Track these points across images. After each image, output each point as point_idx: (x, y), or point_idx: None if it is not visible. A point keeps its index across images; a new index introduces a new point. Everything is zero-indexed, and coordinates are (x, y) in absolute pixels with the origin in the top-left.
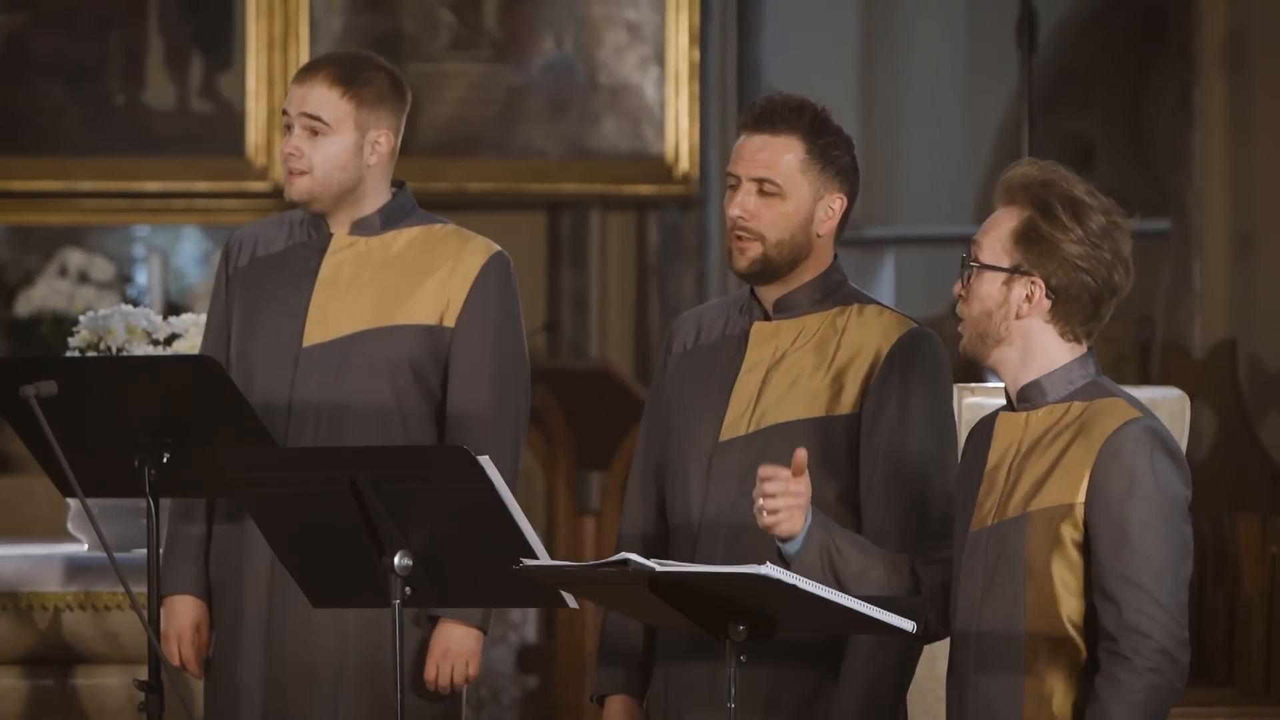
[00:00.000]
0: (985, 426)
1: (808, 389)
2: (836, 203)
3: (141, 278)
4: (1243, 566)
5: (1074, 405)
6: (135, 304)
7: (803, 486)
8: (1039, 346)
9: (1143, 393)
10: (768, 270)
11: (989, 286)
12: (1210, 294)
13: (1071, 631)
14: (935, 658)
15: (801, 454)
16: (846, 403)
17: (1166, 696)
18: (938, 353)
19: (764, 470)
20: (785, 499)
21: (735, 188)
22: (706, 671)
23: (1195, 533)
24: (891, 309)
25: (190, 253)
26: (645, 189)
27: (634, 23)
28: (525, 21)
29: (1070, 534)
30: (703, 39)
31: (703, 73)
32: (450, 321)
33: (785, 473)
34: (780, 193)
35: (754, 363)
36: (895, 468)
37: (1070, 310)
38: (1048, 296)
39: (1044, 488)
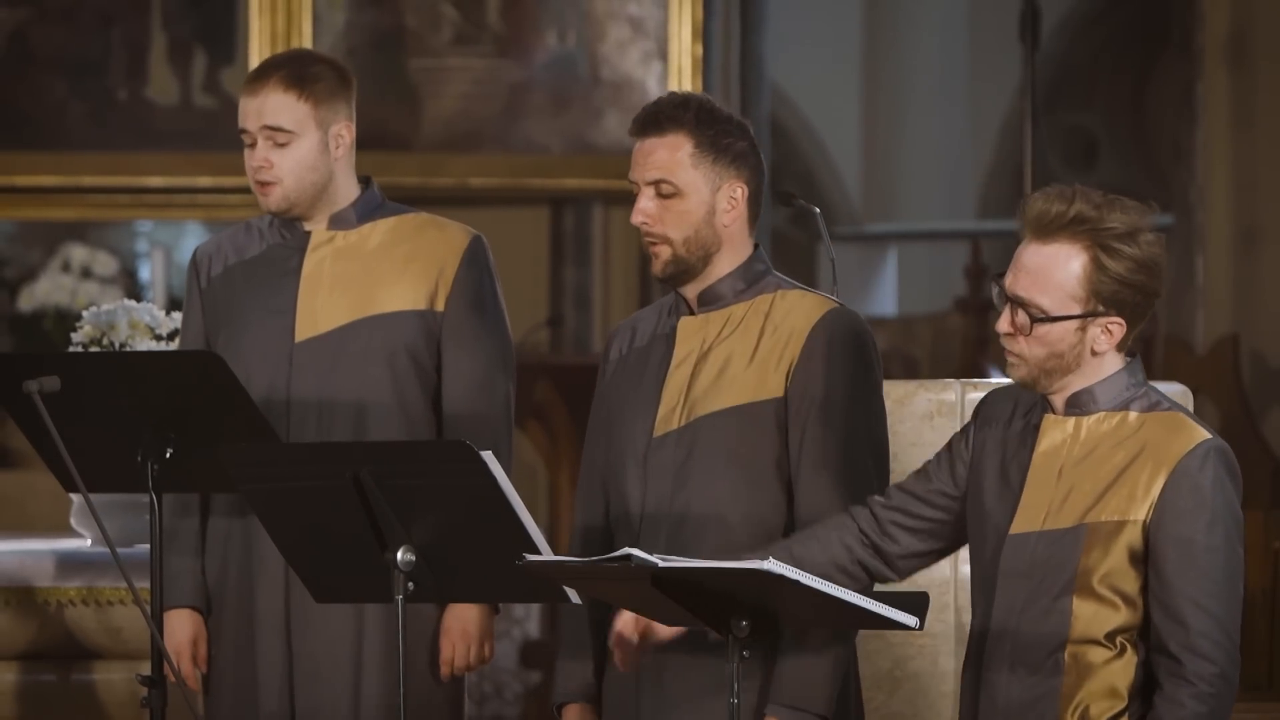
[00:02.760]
0: (1001, 406)
1: (734, 377)
2: (738, 190)
3: (145, 273)
4: (1246, 562)
5: (1131, 415)
6: (138, 299)
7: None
8: (1099, 365)
9: None
10: (683, 270)
11: (1060, 333)
12: (1213, 289)
13: (1118, 643)
14: (938, 653)
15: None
16: (772, 387)
17: (1223, 717)
18: (859, 329)
19: None
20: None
21: (637, 194)
22: (683, 666)
23: None
24: (815, 291)
25: (193, 248)
26: None
27: (637, 17)
28: (528, 16)
29: (1130, 548)
30: (705, 34)
31: (706, 68)
32: (440, 305)
33: None
34: (677, 191)
35: (682, 357)
36: (823, 446)
37: (1137, 325)
38: (1125, 327)
39: (1104, 500)
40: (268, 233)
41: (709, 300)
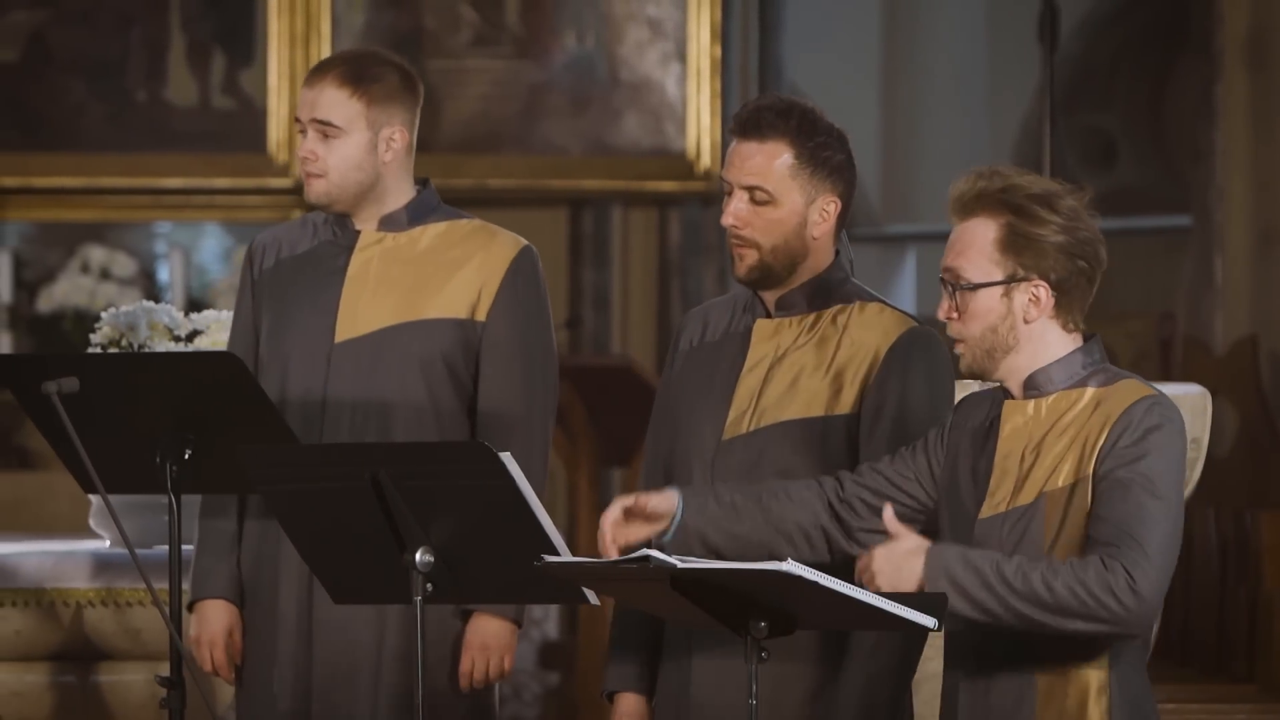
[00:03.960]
0: (975, 407)
1: (807, 388)
2: (831, 205)
3: (163, 274)
4: (1264, 563)
5: (1088, 391)
6: (157, 300)
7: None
8: (1044, 344)
9: (1165, 389)
10: (766, 276)
11: (987, 302)
12: (1232, 290)
13: None
14: (926, 656)
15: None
16: (846, 402)
17: (1104, 624)
18: (937, 351)
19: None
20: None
21: (729, 194)
22: (721, 672)
23: (1217, 529)
24: (893, 307)
25: (212, 249)
26: (667, 185)
27: (655, 19)
28: (547, 18)
29: (1083, 507)
30: (724, 35)
31: (724, 69)
32: (481, 315)
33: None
34: (772, 200)
35: (756, 361)
36: None
37: (1072, 300)
38: (1051, 293)
39: (1060, 468)
40: (321, 229)
41: (786, 305)
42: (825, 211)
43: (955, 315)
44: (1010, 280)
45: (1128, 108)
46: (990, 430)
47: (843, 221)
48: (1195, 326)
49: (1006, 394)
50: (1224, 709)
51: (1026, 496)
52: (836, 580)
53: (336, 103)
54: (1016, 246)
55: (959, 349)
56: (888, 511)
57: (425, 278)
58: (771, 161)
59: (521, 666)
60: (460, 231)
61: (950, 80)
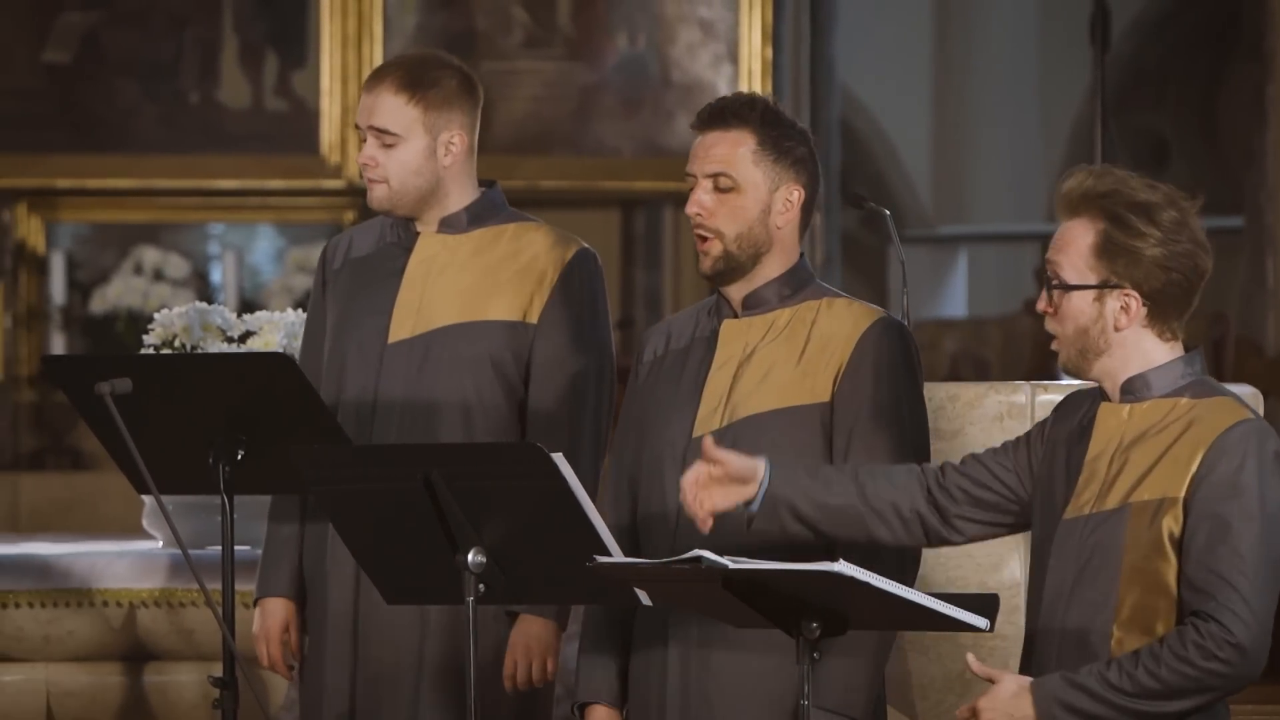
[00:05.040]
0: (1076, 406)
1: (779, 380)
2: (794, 194)
3: (216, 275)
4: None
5: (1182, 401)
6: (210, 301)
7: (717, 472)
8: (1139, 351)
9: None
10: (731, 268)
11: (1080, 304)
12: None
13: (1160, 630)
14: (1009, 655)
15: (707, 441)
16: (819, 391)
17: (1219, 689)
18: (907, 339)
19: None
20: (694, 490)
21: (694, 187)
22: (698, 661)
23: None
24: (860, 301)
25: (265, 250)
26: None
27: (707, 20)
28: (599, 19)
29: (1170, 528)
30: (776, 37)
31: (776, 70)
32: (533, 318)
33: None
34: (736, 186)
35: (724, 360)
36: (870, 451)
37: (1167, 310)
38: (1143, 304)
39: (1146, 480)
40: (388, 231)
41: (754, 304)
42: (789, 201)
43: (1051, 310)
44: (1103, 286)
45: (1179, 109)
46: (1085, 429)
47: (807, 216)
48: (1247, 327)
49: (1103, 395)
50: (1269, 710)
51: (1111, 502)
52: (888, 581)
53: (394, 109)
54: (1111, 254)
55: (1055, 345)
56: (972, 660)
57: (480, 280)
58: (736, 149)
59: (571, 668)
60: (520, 233)
61: (1001, 81)
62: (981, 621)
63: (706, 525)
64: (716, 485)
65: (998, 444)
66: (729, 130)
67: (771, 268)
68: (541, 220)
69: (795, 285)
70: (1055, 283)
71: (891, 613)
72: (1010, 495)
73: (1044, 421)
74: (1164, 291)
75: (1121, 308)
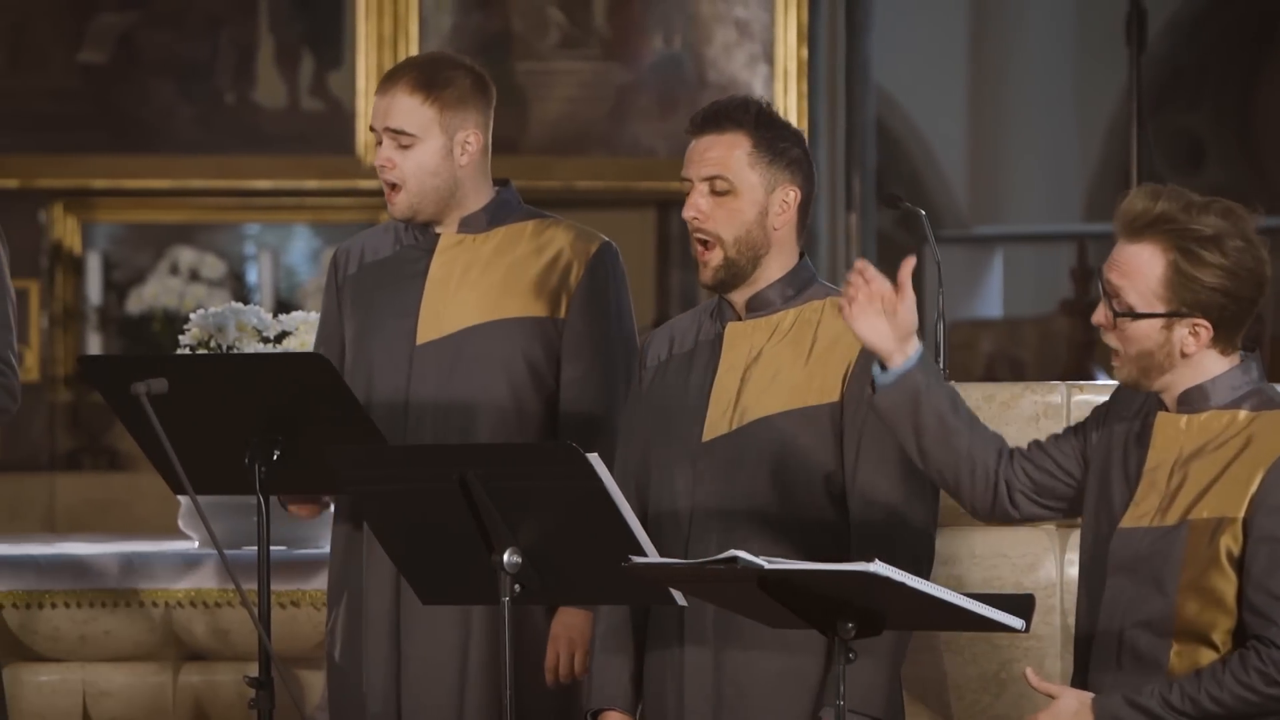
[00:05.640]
0: (1131, 400)
1: (788, 381)
2: (791, 195)
3: (252, 275)
4: None
5: (1241, 414)
6: (246, 302)
7: (884, 289)
8: (1202, 367)
9: None
10: (733, 275)
11: (1146, 330)
12: None
13: (1218, 641)
14: (1045, 655)
15: (904, 271)
16: (829, 391)
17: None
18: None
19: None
20: (864, 294)
21: (690, 191)
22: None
23: None
24: None
25: (301, 251)
26: None
27: (743, 20)
28: (634, 19)
29: (1229, 547)
30: (811, 37)
31: (811, 71)
32: (562, 313)
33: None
34: (732, 189)
35: (731, 363)
36: (881, 447)
37: (1232, 329)
38: (1211, 330)
39: (1206, 497)
40: (403, 234)
41: (757, 306)
42: (785, 202)
43: (1110, 327)
44: (1172, 315)
45: (1215, 109)
46: (1143, 436)
47: (805, 217)
48: None
49: (1161, 404)
50: None
51: (1171, 518)
52: (923, 581)
53: (409, 110)
54: (1180, 285)
55: (1115, 361)
56: (1031, 674)
57: (505, 277)
58: (731, 151)
59: None
60: (540, 230)
61: (1037, 82)
62: (1017, 622)
63: (852, 305)
64: (877, 310)
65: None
66: (723, 133)
67: (772, 269)
68: (557, 216)
69: (798, 286)
70: (1121, 309)
71: (927, 613)
72: (1070, 480)
73: (1100, 410)
74: (1233, 315)
75: (1191, 334)
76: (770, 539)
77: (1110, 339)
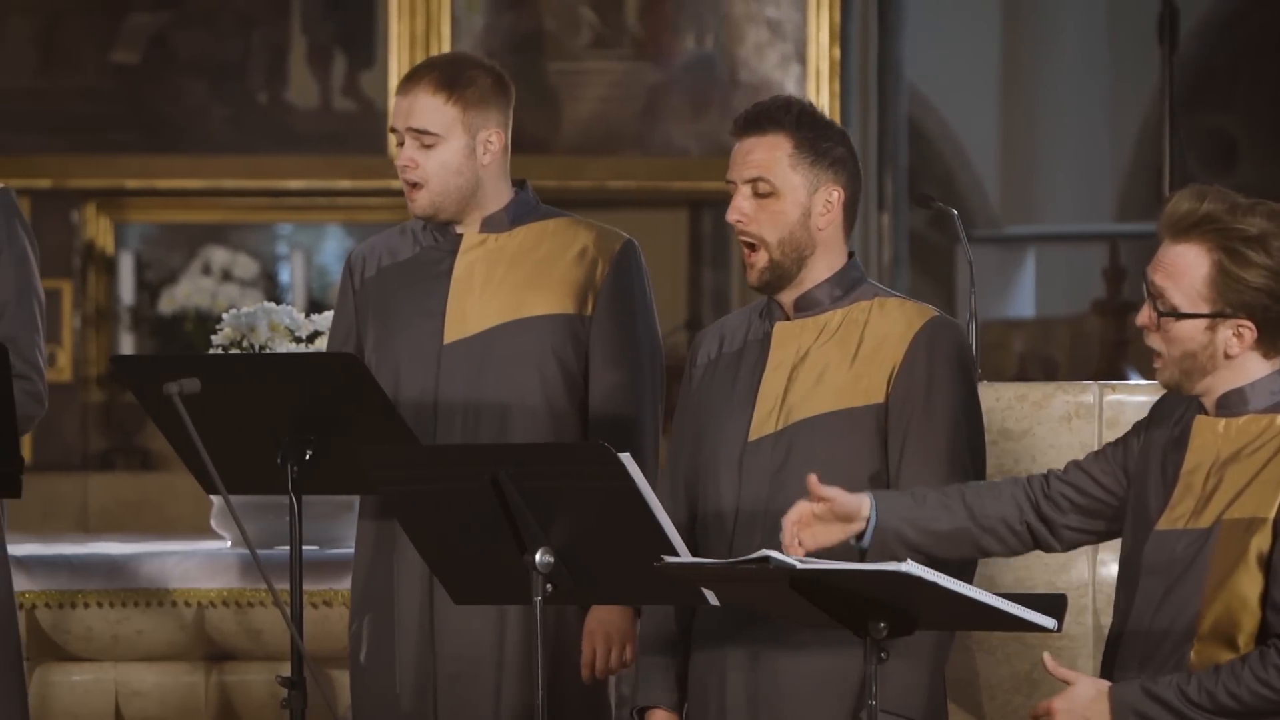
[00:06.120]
0: (1172, 409)
1: (834, 383)
2: (834, 194)
3: (284, 275)
4: None
5: (1279, 419)
6: (278, 302)
7: (801, 510)
8: (1244, 370)
9: None
10: (778, 276)
11: (1190, 331)
12: None
13: (1240, 642)
14: (1077, 655)
15: (812, 479)
16: (874, 392)
17: None
18: (960, 338)
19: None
20: (798, 539)
21: (734, 194)
22: (753, 664)
23: None
24: (913, 300)
25: (333, 250)
26: None
27: (775, 20)
28: (666, 19)
29: (1259, 547)
30: (844, 37)
31: (844, 71)
32: (589, 310)
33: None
34: (775, 191)
35: (778, 362)
36: (925, 450)
37: (1276, 330)
38: (1256, 331)
39: (1240, 499)
40: (421, 235)
41: (805, 306)
42: (829, 202)
43: (1154, 328)
44: (1216, 315)
45: (1248, 108)
46: (1181, 440)
47: (850, 216)
48: None
49: (1200, 408)
50: None
51: (1205, 520)
52: (956, 581)
53: (432, 109)
54: (1225, 286)
55: (1156, 363)
56: (1049, 659)
57: (530, 276)
58: (773, 153)
59: None
60: (562, 228)
61: (1070, 82)
62: (1050, 622)
63: (800, 552)
64: (819, 523)
65: (1094, 448)
66: (765, 135)
67: (819, 270)
68: (573, 214)
69: (846, 286)
70: (1165, 309)
71: (959, 613)
72: (1112, 498)
73: (1141, 423)
74: (1277, 316)
75: (1235, 335)
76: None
77: (1153, 340)
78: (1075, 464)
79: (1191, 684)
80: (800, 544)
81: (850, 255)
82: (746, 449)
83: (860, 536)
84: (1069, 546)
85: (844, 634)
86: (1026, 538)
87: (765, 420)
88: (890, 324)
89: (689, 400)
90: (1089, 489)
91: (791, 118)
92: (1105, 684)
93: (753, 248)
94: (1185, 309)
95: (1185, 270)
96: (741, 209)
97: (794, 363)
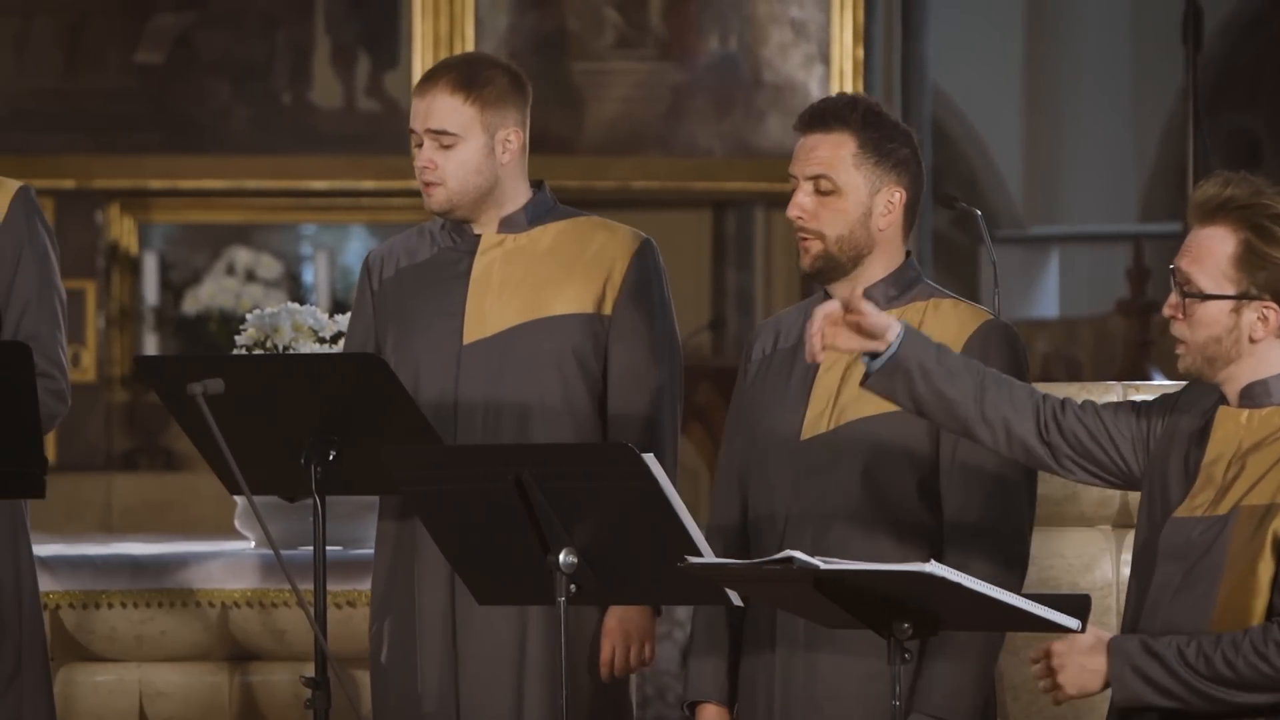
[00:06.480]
0: (1199, 399)
1: None
2: (896, 196)
3: (308, 276)
4: None
5: None
6: (302, 302)
7: (830, 308)
8: (1266, 360)
9: None
10: (830, 267)
11: (1215, 314)
12: None
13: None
14: None
15: (857, 294)
16: None
17: None
18: (1014, 342)
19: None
20: (820, 336)
21: (795, 189)
22: (804, 664)
23: None
24: (968, 302)
25: (357, 251)
26: None
27: (799, 21)
28: (690, 20)
29: (1276, 531)
30: (867, 37)
31: (867, 71)
32: (607, 309)
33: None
34: (836, 189)
35: (831, 361)
36: (978, 452)
37: None
38: None
39: (1258, 485)
40: (439, 236)
41: None
42: (890, 203)
43: (1180, 316)
44: (1242, 297)
45: (1272, 108)
46: (1204, 431)
47: (911, 218)
48: None
49: (1223, 399)
50: None
51: (1224, 508)
52: (979, 581)
53: (451, 110)
54: (1252, 265)
55: (1179, 349)
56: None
57: (549, 276)
58: (836, 151)
59: (665, 668)
60: (580, 228)
61: (1093, 82)
62: (1073, 622)
63: (818, 358)
64: (847, 329)
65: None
66: (830, 133)
67: (876, 269)
68: (591, 214)
69: (902, 286)
70: (1190, 290)
71: (983, 613)
72: (1120, 461)
73: (1169, 401)
74: None
75: (1259, 318)
76: (864, 540)
77: (1177, 328)
78: (1095, 411)
79: (1191, 647)
80: (821, 336)
81: (908, 254)
82: (800, 448)
83: (875, 356)
84: (1076, 479)
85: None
86: (1019, 450)
87: (817, 420)
88: (944, 326)
89: (743, 395)
90: (1103, 442)
91: (857, 116)
92: (1106, 635)
93: (805, 237)
94: (1211, 291)
95: (1211, 251)
96: (802, 205)
97: (848, 362)
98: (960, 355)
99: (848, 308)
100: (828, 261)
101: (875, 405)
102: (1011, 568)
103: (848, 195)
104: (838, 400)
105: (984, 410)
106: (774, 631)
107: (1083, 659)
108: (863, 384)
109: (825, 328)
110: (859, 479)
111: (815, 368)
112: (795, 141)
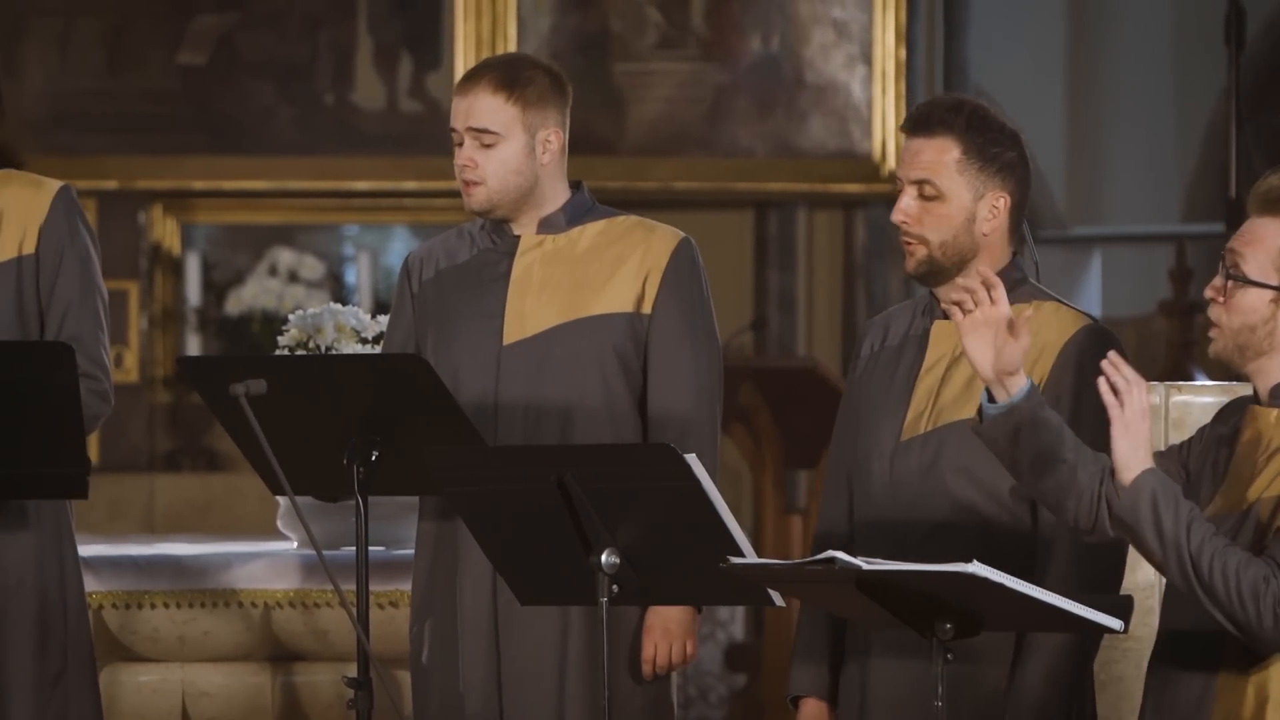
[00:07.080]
0: (1232, 412)
1: (983, 387)
2: (1000, 201)
3: (351, 277)
4: None
5: None
6: (344, 303)
7: (1003, 315)
8: None
9: None
10: (935, 271)
11: (1254, 302)
12: None
13: None
14: (1143, 657)
15: (1021, 319)
16: None
17: (1240, 626)
18: (1111, 348)
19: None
20: (982, 311)
21: (900, 192)
22: (901, 672)
23: None
24: (1070, 305)
25: (399, 252)
26: (852, 188)
27: (841, 21)
28: (732, 20)
29: None
30: (909, 37)
31: (909, 71)
32: (647, 308)
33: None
34: (940, 195)
35: (934, 361)
36: None
37: None
38: None
39: (1277, 480)
40: (478, 237)
41: None
42: (995, 208)
43: (1220, 299)
44: None
45: None
46: (1234, 433)
47: (1018, 220)
48: None
49: (1254, 398)
50: None
51: (1245, 504)
52: (1022, 583)
53: (492, 109)
54: None
55: (1212, 333)
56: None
57: (588, 276)
58: (940, 156)
59: (708, 668)
60: (618, 228)
61: (1136, 82)
62: (1116, 623)
63: (953, 297)
64: (992, 336)
65: (1160, 449)
66: (934, 137)
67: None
68: (630, 214)
69: (1006, 287)
70: (1236, 273)
71: (1026, 614)
72: None
73: (1205, 426)
74: None
75: None
76: (960, 545)
77: (1215, 311)
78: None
79: (1199, 523)
80: (967, 313)
81: (1014, 255)
82: (898, 448)
83: (993, 399)
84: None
85: (987, 642)
86: (1089, 517)
87: (917, 420)
88: (1044, 329)
89: (851, 393)
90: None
91: (961, 120)
92: (1150, 460)
93: (910, 242)
94: (1255, 277)
95: (1264, 239)
96: (907, 210)
97: (949, 363)
98: (1063, 424)
99: (1011, 325)
100: (932, 266)
101: (972, 407)
102: (1107, 577)
103: (951, 201)
104: (936, 402)
105: (1077, 480)
106: (869, 640)
107: (1140, 429)
108: (973, 427)
109: (979, 313)
110: (953, 483)
111: (919, 367)
112: (900, 144)
